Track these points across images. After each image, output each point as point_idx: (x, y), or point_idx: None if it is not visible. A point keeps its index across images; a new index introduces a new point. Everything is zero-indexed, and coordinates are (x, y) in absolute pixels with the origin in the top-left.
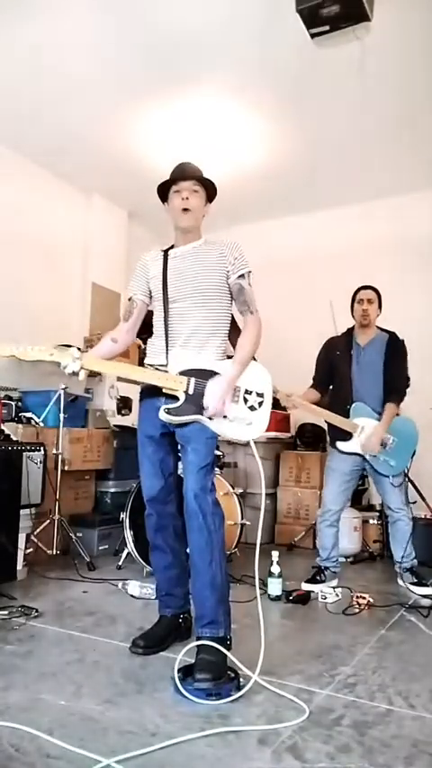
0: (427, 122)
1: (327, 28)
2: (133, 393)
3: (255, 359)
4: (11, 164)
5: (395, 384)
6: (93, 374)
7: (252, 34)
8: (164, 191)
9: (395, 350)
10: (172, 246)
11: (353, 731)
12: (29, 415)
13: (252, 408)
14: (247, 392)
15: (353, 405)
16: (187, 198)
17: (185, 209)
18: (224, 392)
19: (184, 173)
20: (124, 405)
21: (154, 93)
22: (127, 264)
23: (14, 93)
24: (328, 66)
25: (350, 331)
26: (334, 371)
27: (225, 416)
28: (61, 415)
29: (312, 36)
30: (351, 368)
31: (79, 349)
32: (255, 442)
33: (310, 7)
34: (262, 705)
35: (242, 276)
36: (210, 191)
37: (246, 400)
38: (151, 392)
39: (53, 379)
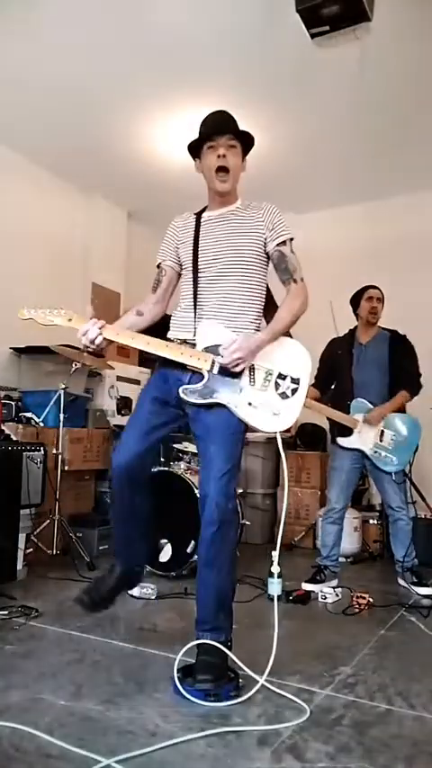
0: (427, 122)
1: (327, 28)
2: (134, 393)
3: (290, 335)
4: (11, 164)
5: (408, 375)
6: (92, 374)
7: (252, 34)
8: (195, 146)
9: (400, 346)
10: (205, 209)
11: (353, 731)
12: (29, 415)
13: (283, 396)
14: (280, 376)
15: (353, 401)
16: (224, 155)
17: (222, 169)
18: (245, 354)
19: (219, 127)
20: (124, 405)
21: (154, 92)
22: (127, 264)
23: (14, 94)
24: (328, 66)
25: (352, 331)
26: (335, 371)
27: (250, 403)
28: (61, 415)
29: (312, 36)
30: (352, 366)
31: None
32: (254, 440)
33: (310, 7)
34: (262, 705)
35: (283, 243)
36: (246, 144)
37: (278, 385)
38: (173, 365)
39: (53, 379)
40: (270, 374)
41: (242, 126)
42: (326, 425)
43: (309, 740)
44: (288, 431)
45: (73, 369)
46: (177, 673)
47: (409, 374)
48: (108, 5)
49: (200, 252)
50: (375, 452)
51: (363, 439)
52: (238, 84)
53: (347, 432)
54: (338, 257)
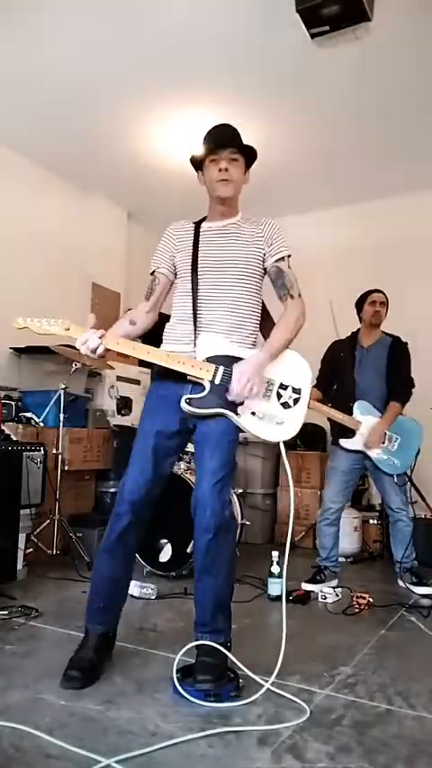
0: (427, 122)
1: (327, 28)
2: (134, 393)
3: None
4: (11, 163)
5: (400, 385)
6: (92, 374)
7: (252, 34)
8: (198, 159)
9: (399, 353)
10: (204, 219)
11: (353, 731)
12: (29, 415)
13: (286, 406)
14: (282, 386)
15: (356, 403)
16: (226, 168)
17: (224, 180)
18: (252, 376)
19: (222, 140)
20: (124, 405)
21: (154, 92)
22: (127, 264)
23: (15, 94)
24: (328, 66)
25: (355, 334)
26: (337, 373)
27: (253, 413)
28: (61, 415)
29: (312, 36)
30: (354, 369)
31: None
32: (254, 440)
33: (310, 7)
34: (262, 705)
35: (281, 259)
36: (249, 157)
37: (279, 396)
38: (171, 377)
39: (53, 379)
40: (272, 384)
41: (242, 126)
42: (326, 425)
43: (309, 740)
44: None
45: (73, 369)
46: (177, 673)
47: (400, 384)
48: (108, 6)
49: (200, 261)
50: (378, 454)
51: (369, 448)
52: (238, 84)
53: (350, 433)
54: (339, 257)
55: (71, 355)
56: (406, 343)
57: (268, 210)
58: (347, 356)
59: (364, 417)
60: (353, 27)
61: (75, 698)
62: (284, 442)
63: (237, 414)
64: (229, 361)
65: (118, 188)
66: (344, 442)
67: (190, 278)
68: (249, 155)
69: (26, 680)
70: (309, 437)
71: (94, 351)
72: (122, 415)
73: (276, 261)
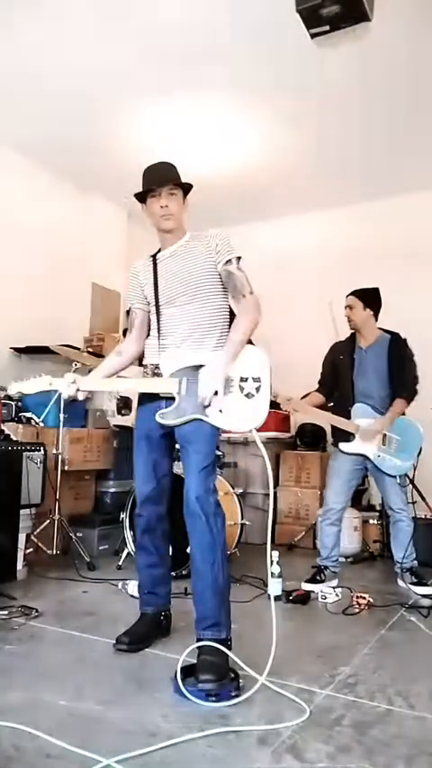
0: (428, 122)
1: (327, 28)
2: (133, 393)
3: (252, 342)
4: (11, 163)
5: (403, 381)
6: None
7: (252, 34)
8: (141, 195)
9: (398, 350)
10: (159, 250)
11: (353, 731)
12: (29, 415)
13: (250, 396)
14: (242, 379)
15: (354, 406)
16: (166, 205)
17: (166, 215)
18: (215, 381)
19: (159, 179)
20: (124, 405)
21: (154, 92)
22: (127, 264)
23: (15, 93)
24: (328, 66)
25: (353, 335)
26: (337, 375)
27: (220, 410)
28: (61, 415)
29: (312, 36)
30: (353, 371)
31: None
32: (253, 441)
33: (310, 7)
34: (262, 705)
35: (228, 262)
36: (186, 187)
37: (242, 389)
38: (150, 396)
39: None
40: (232, 381)
41: (243, 127)
42: (326, 425)
43: (309, 740)
44: (287, 430)
45: (73, 369)
46: (180, 673)
47: (405, 380)
48: (108, 6)
49: (160, 290)
50: (379, 456)
51: (365, 443)
52: (238, 85)
53: (349, 436)
54: (339, 257)
55: (71, 355)
56: (405, 339)
57: (269, 211)
58: (346, 359)
59: (363, 420)
60: (353, 27)
61: (75, 698)
62: (284, 442)
63: (206, 415)
64: (191, 370)
65: (118, 188)
66: (344, 446)
67: (154, 304)
68: (185, 185)
69: (26, 680)
70: (309, 437)
71: (73, 397)
72: (122, 415)
73: (225, 265)
